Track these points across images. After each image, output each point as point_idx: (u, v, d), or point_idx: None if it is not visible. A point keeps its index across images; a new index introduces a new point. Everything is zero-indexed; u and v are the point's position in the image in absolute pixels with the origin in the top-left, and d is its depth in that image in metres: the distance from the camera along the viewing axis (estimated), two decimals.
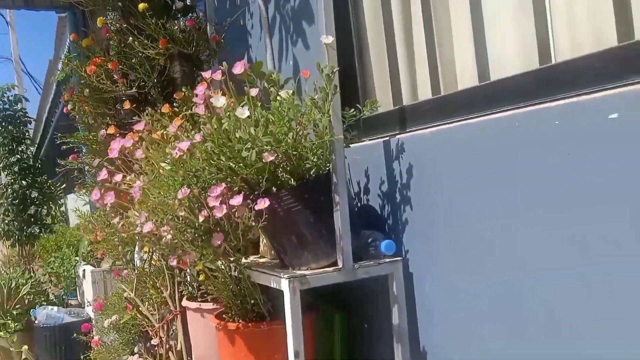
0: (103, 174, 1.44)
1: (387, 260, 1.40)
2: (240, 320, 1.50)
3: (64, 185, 6.97)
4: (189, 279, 1.97)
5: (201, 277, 1.47)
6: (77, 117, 2.21)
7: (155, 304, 2.10)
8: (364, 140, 1.62)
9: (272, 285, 1.32)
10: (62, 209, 7.10)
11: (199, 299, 1.82)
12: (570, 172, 1.00)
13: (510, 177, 1.12)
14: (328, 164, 1.34)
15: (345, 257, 1.32)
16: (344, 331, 1.66)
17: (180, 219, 1.24)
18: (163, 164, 1.33)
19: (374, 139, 1.57)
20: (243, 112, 1.21)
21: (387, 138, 1.48)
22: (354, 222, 1.49)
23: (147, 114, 1.67)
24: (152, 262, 2.12)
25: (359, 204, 1.63)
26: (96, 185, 1.78)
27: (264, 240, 1.59)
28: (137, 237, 1.45)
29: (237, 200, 1.18)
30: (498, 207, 1.15)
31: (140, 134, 1.49)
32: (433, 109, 1.40)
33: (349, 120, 1.37)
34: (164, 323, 2.06)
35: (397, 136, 1.45)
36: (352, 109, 1.38)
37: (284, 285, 1.26)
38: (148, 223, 1.28)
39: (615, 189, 0.93)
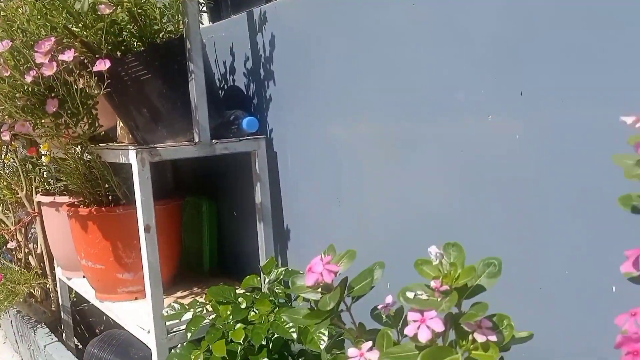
0: None
1: (249, 137, 1.34)
2: (94, 206, 1.39)
3: None
4: (45, 176, 1.81)
5: (45, 159, 1.33)
6: None
7: (11, 206, 1.92)
8: (231, 16, 1.51)
9: (121, 161, 1.22)
10: None
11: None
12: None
13: (371, 40, 1.08)
14: (181, 29, 1.22)
15: (201, 131, 1.24)
16: (212, 218, 1.61)
17: (6, 80, 1.09)
18: None
19: (240, 12, 1.46)
20: None
21: (251, 9, 1.39)
22: (219, 101, 1.41)
23: None
24: (5, 160, 1.91)
25: (226, 86, 1.54)
26: None
27: (121, 124, 1.46)
28: None
29: (67, 55, 1.05)
30: (363, 76, 1.12)
31: None
32: None
33: None
34: (21, 225, 1.90)
35: (261, 6, 1.35)
36: None
37: (132, 157, 1.16)
38: None
39: None
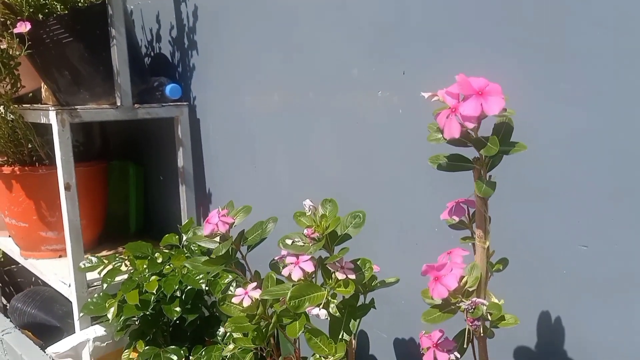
0: None
1: (172, 104, 1.40)
2: (18, 165, 1.43)
3: None
4: None
5: None
6: None
7: None
8: None
9: (42, 121, 1.26)
10: None
11: None
12: None
13: (290, 10, 1.16)
14: None
15: (123, 95, 1.30)
16: (139, 182, 1.67)
17: None
18: None
19: None
20: None
21: None
22: (144, 68, 1.46)
23: None
24: None
25: (152, 53, 1.59)
26: None
27: (45, 86, 1.49)
28: None
29: None
30: (270, 53, 1.20)
31: None
32: None
33: None
34: None
35: None
36: None
37: (52, 117, 1.21)
38: None
39: None
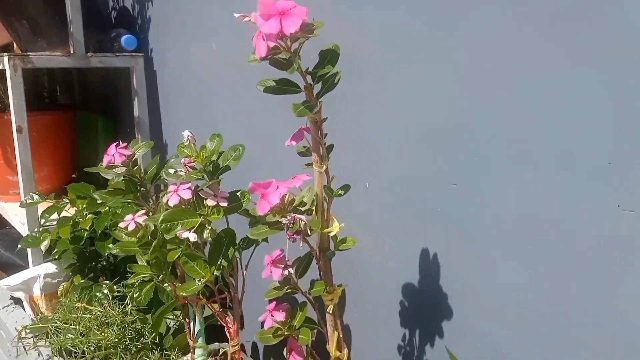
0: None
1: (127, 54, 1.44)
2: None
3: None
4: None
5: None
6: None
7: None
8: None
9: None
10: None
11: None
12: None
13: None
14: None
15: (75, 43, 1.34)
16: (108, 134, 1.73)
17: None
18: None
19: None
20: None
21: None
22: (104, 19, 1.50)
23: None
24: None
25: (117, 6, 1.63)
26: None
27: None
28: None
29: None
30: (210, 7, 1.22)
31: None
32: None
33: None
34: None
35: None
36: None
37: (5, 63, 1.26)
38: None
39: None
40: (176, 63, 1.40)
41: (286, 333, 0.68)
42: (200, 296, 0.93)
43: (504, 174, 0.70)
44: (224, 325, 0.90)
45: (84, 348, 0.87)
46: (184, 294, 0.77)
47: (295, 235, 0.59)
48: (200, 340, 0.98)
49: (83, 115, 1.73)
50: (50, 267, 1.35)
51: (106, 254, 1.16)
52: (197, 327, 0.98)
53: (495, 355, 0.76)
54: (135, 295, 1.20)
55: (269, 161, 1.12)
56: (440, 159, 0.77)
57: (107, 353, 0.88)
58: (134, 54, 1.45)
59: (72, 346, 0.94)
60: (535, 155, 0.66)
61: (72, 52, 1.35)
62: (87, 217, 1.18)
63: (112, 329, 0.90)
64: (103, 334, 0.88)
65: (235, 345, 0.91)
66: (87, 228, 1.15)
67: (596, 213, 0.64)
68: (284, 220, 0.60)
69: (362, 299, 0.96)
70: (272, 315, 0.67)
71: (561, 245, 0.68)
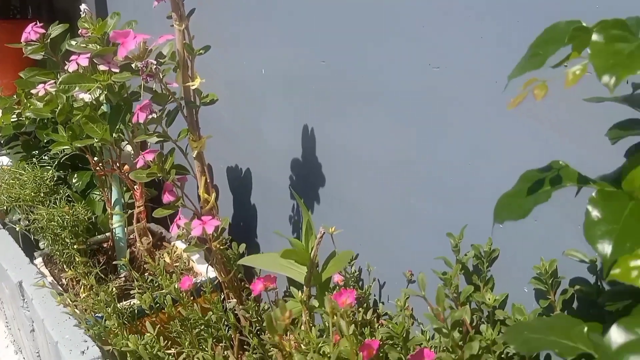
0: None
1: None
2: None
3: None
4: None
5: None
6: None
7: None
8: None
9: None
10: None
11: None
12: None
13: None
14: None
15: None
16: None
17: None
18: None
19: None
20: None
21: None
22: None
23: None
24: None
25: None
26: None
27: None
28: None
29: None
30: None
31: None
32: None
33: None
34: None
35: None
36: None
37: None
38: None
39: None
40: None
41: (159, 175, 0.80)
42: (114, 167, 1.05)
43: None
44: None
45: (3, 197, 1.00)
46: (78, 145, 0.89)
47: (148, 78, 0.70)
48: (118, 208, 1.10)
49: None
50: (5, 160, 1.48)
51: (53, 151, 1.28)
52: (115, 197, 1.10)
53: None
54: (74, 181, 1.33)
55: None
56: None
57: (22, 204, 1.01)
58: None
59: None
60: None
61: None
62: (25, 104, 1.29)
63: (28, 185, 1.02)
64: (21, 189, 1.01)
65: (140, 206, 1.03)
66: (27, 116, 1.27)
67: (410, 69, 0.74)
68: (139, 64, 0.70)
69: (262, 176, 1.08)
70: (143, 157, 0.79)
71: (382, 104, 0.79)
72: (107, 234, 1.19)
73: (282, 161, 1.04)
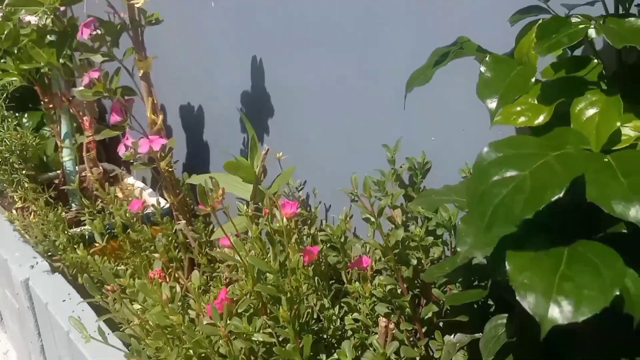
0: None
1: None
2: None
3: None
4: None
5: None
6: None
7: None
8: None
9: None
10: None
11: None
12: None
13: None
14: None
15: None
16: None
17: None
18: None
19: None
20: None
21: None
22: None
23: None
24: None
25: None
26: None
27: None
28: None
29: None
30: None
31: None
32: None
33: None
34: None
35: None
36: None
37: None
38: None
39: None
40: None
41: (105, 94, 0.81)
42: (63, 99, 1.05)
43: None
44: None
45: None
46: (25, 67, 0.89)
47: None
48: (67, 142, 1.11)
49: None
50: None
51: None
52: (64, 130, 1.10)
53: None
54: (24, 121, 1.33)
55: None
56: None
57: None
58: None
59: None
60: None
61: None
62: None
63: None
64: None
65: (89, 136, 1.04)
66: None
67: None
68: None
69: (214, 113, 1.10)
70: (89, 75, 0.80)
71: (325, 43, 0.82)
72: (59, 171, 1.19)
73: (233, 98, 1.06)
